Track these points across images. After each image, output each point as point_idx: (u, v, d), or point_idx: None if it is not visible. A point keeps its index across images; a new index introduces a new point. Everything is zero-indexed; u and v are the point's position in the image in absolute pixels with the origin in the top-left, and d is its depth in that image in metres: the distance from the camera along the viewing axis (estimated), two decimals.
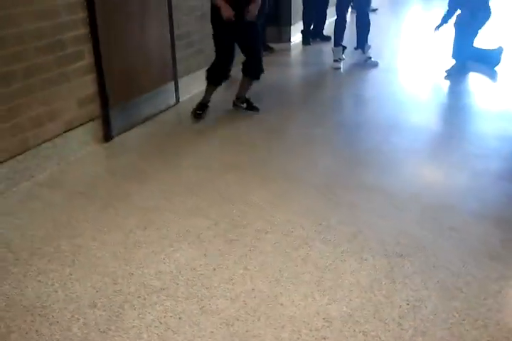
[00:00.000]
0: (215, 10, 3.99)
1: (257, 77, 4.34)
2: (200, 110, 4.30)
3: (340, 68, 5.71)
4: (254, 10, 4.01)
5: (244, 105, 4.49)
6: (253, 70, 4.28)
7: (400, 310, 2.16)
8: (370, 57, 5.84)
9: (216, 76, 4.24)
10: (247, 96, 4.49)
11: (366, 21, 5.69)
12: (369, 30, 5.77)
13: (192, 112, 4.30)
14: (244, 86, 4.46)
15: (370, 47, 5.85)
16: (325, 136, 3.97)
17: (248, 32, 4.11)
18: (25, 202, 2.99)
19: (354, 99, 4.87)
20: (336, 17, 5.82)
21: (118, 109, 3.86)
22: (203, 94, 4.37)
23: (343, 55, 5.86)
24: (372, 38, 5.95)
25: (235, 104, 4.53)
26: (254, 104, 4.47)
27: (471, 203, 2.98)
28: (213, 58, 5.15)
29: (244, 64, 4.28)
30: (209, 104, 4.37)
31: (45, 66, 3.22)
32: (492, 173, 3.35)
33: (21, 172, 3.16)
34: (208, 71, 4.24)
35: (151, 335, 2.03)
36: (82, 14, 3.42)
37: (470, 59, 5.56)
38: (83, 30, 3.46)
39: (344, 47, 5.87)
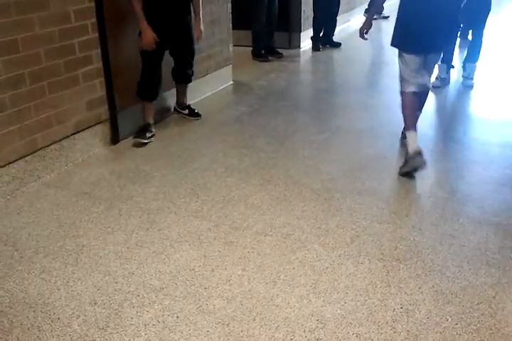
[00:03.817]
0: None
1: (190, 80, 4.28)
2: (143, 134, 3.90)
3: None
4: (201, 32, 4.05)
5: (186, 111, 4.42)
6: (186, 74, 4.19)
7: (393, 313, 2.19)
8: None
9: (150, 89, 3.93)
10: (187, 102, 4.43)
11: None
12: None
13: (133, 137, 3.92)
14: (182, 92, 4.37)
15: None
16: (329, 141, 4.01)
17: (183, 33, 3.94)
18: (33, 202, 3.07)
19: (361, 105, 4.90)
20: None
21: (125, 113, 3.93)
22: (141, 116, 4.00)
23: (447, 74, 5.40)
24: None
25: (176, 110, 4.46)
26: (196, 110, 4.44)
27: (472, 210, 3.00)
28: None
29: (176, 69, 4.14)
30: (153, 129, 3.98)
31: (55, 70, 3.30)
32: (494, 180, 3.36)
33: (29, 172, 3.24)
34: (140, 85, 3.90)
35: (148, 333, 2.08)
36: (91, 20, 3.49)
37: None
38: (92, 36, 3.53)
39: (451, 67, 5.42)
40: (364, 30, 3.60)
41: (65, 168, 3.47)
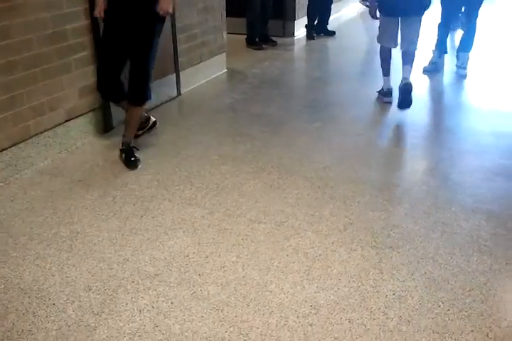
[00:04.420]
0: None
1: (138, 102, 3.28)
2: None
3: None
4: (167, 5, 3.08)
5: (123, 155, 3.35)
6: (134, 93, 3.26)
7: (386, 299, 2.22)
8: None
9: (103, 87, 3.37)
10: (133, 142, 3.42)
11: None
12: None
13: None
14: (130, 119, 3.36)
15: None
16: (322, 129, 4.02)
17: (138, 38, 3.17)
18: (27, 189, 3.06)
19: (354, 94, 4.90)
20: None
21: None
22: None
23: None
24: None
25: (122, 149, 3.40)
26: (134, 157, 3.33)
27: (464, 198, 3.02)
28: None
29: (128, 84, 3.28)
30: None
31: (47, 56, 3.28)
32: (486, 169, 3.39)
33: (23, 159, 3.22)
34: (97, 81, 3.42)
35: (143, 319, 2.09)
36: (83, 6, 3.46)
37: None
38: (84, 22, 3.50)
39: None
40: (373, 13, 4.37)
41: (58, 155, 3.46)
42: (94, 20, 3.55)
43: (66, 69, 3.45)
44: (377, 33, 4.44)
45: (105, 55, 3.33)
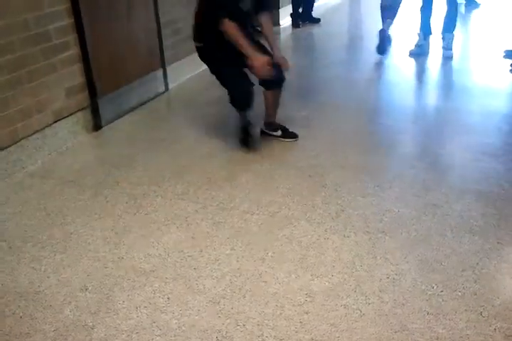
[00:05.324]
0: (211, 39, 3.33)
1: (280, 85, 3.52)
2: (243, 134, 3.58)
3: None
4: (285, 60, 3.41)
5: (279, 132, 3.66)
6: (274, 81, 3.44)
7: (380, 283, 2.24)
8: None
9: (244, 102, 3.49)
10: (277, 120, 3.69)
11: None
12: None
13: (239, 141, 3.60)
14: (271, 105, 3.60)
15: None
16: (311, 117, 4.02)
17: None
18: (18, 192, 3.06)
19: (341, 80, 4.90)
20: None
21: (106, 98, 3.90)
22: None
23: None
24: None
25: (263, 133, 3.71)
26: (291, 130, 3.68)
27: (453, 179, 3.05)
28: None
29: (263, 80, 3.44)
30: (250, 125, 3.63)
31: (32, 57, 3.26)
32: (474, 149, 3.40)
33: (13, 163, 3.22)
34: (233, 102, 3.51)
35: (140, 315, 2.11)
36: (65, 5, 3.44)
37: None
38: (68, 21, 3.49)
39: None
40: None
41: (48, 156, 3.46)
42: (77, 19, 3.53)
43: (52, 69, 3.43)
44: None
45: (240, 76, 3.44)
